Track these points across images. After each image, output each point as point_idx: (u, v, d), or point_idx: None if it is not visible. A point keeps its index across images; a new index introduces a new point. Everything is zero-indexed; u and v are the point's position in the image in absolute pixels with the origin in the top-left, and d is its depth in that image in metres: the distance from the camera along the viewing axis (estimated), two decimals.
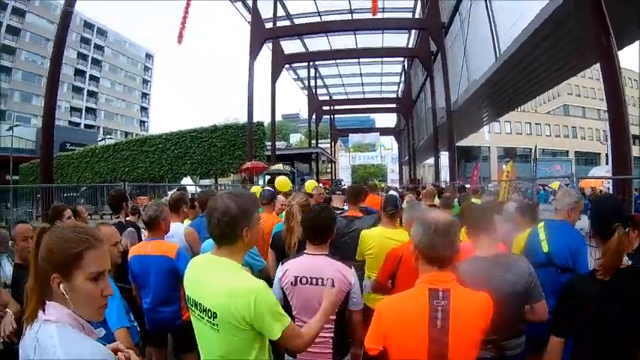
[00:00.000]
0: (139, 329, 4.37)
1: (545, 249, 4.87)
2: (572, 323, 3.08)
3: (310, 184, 13.62)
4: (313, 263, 3.84)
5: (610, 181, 11.03)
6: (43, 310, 1.95)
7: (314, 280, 3.76)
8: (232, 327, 2.61)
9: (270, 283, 4.56)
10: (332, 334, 3.78)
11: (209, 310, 2.67)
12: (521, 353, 3.68)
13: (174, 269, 5.03)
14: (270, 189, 9.29)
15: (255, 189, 14.45)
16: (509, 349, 3.57)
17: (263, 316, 2.60)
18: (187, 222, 7.09)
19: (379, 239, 5.47)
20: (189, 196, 9.28)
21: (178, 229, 6.09)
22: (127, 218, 7.07)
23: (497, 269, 3.46)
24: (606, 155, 54.80)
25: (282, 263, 4.14)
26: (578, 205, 5.26)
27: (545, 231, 5.04)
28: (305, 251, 4.05)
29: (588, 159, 78.57)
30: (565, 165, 57.40)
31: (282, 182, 18.11)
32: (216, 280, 2.71)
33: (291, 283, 3.81)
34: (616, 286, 2.92)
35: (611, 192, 11.78)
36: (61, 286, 1.93)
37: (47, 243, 1.97)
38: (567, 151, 79.52)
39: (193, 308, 2.82)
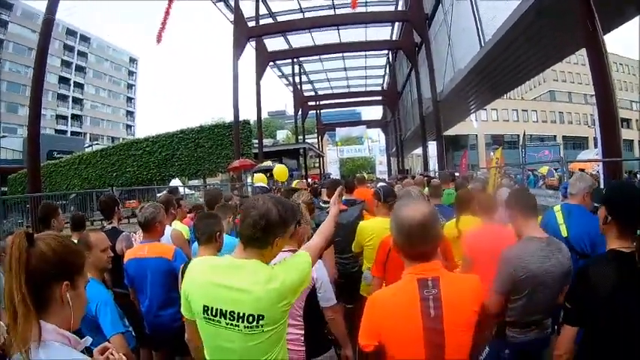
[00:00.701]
0: (134, 334, 4.33)
1: (565, 233, 4.83)
2: (588, 312, 2.92)
3: (294, 183, 13.79)
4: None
5: (600, 163, 11.03)
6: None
7: None
8: (279, 319, 2.63)
9: None
10: (302, 331, 3.72)
11: (250, 315, 2.56)
12: (549, 333, 3.90)
13: (171, 270, 5.00)
14: (264, 185, 9.30)
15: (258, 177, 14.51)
16: (546, 328, 3.80)
17: (296, 282, 2.69)
18: (176, 223, 7.09)
19: (379, 230, 5.37)
20: (180, 197, 9.25)
21: (166, 231, 6.00)
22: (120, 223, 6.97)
23: (552, 250, 3.63)
24: (594, 139, 55.21)
25: None
26: (592, 190, 5.23)
27: (564, 215, 5.01)
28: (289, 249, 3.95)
29: (576, 143, 79.42)
30: (553, 150, 57.74)
31: (281, 171, 18.16)
32: (256, 284, 2.60)
33: None
34: None
35: (601, 175, 11.72)
36: (68, 294, 1.91)
37: (55, 249, 1.91)
38: (555, 136, 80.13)
39: (218, 318, 2.64)
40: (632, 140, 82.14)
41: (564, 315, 3.11)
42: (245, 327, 2.56)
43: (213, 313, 2.64)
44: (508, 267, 3.61)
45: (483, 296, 2.69)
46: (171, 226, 6.57)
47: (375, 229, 5.52)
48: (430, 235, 2.62)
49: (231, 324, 2.59)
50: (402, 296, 2.62)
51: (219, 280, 2.67)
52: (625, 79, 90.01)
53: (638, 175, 26.02)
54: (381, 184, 13.72)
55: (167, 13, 22.60)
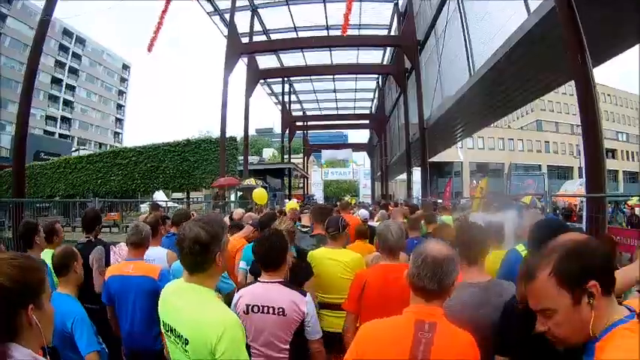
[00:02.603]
0: (107, 350, 4.33)
1: None
2: (512, 343, 3.10)
3: (290, 205, 13.59)
4: (265, 291, 3.83)
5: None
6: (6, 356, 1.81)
7: (265, 308, 3.75)
8: (202, 355, 2.61)
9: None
10: None
11: (182, 335, 2.69)
12: None
13: (156, 290, 4.66)
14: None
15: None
16: None
17: (225, 350, 2.56)
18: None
19: (320, 260, 5.49)
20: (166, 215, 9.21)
21: (159, 252, 6.09)
22: (98, 237, 6.88)
23: (489, 295, 3.48)
24: (579, 169, 55.53)
25: (238, 289, 4.13)
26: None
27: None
28: (259, 279, 4.04)
29: (561, 173, 80.00)
30: (538, 179, 57.90)
31: (260, 194, 18.05)
32: (189, 308, 2.72)
33: (244, 311, 3.78)
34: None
35: (584, 208, 11.84)
36: (34, 315, 1.89)
37: (12, 276, 1.87)
38: (540, 166, 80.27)
39: (168, 333, 2.85)
40: (617, 170, 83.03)
41: (493, 344, 3.24)
42: (181, 346, 2.72)
43: (167, 328, 2.87)
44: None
45: (475, 356, 2.62)
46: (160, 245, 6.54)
47: (316, 258, 5.57)
48: (438, 274, 2.63)
49: (175, 340, 2.78)
50: (395, 331, 2.63)
51: (171, 299, 2.92)
52: (612, 109, 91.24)
53: (621, 206, 26.11)
54: (362, 210, 13.81)
55: (160, 22, 22.61)
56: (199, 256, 2.76)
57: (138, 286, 5.00)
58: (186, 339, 2.65)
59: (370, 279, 4.36)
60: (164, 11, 22.61)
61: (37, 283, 1.97)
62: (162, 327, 2.94)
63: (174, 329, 2.76)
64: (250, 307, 3.78)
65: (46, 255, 5.59)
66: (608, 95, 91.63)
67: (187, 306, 2.74)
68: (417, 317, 2.61)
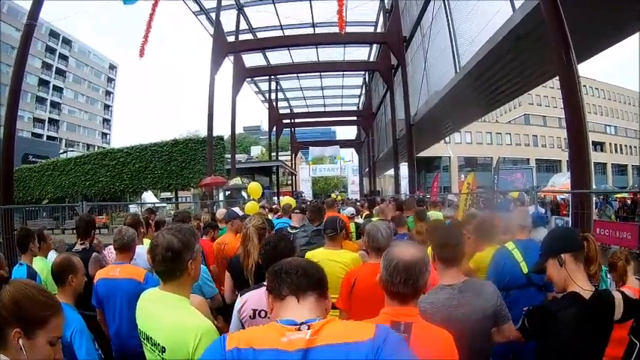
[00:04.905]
0: (103, 357, 4.32)
1: (525, 270, 4.89)
2: (544, 336, 3.21)
3: (286, 201, 13.51)
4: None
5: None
6: None
7: None
8: None
9: (221, 310, 4.53)
10: None
11: (158, 344, 2.68)
12: None
13: (141, 293, 4.91)
14: (234, 211, 9.25)
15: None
16: None
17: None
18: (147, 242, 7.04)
19: (321, 261, 5.35)
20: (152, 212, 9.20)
21: (141, 250, 6.02)
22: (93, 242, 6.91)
23: (466, 296, 3.42)
24: (567, 162, 55.69)
25: (241, 295, 4.03)
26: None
27: (521, 252, 5.05)
28: (265, 282, 3.97)
29: (549, 166, 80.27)
30: (526, 173, 58.04)
31: (254, 188, 18.04)
32: (164, 316, 2.72)
33: (250, 316, 3.73)
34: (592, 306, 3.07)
35: (570, 203, 11.86)
36: (21, 341, 1.92)
37: (14, 296, 1.97)
38: (528, 159, 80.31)
39: (145, 341, 2.84)
40: (606, 163, 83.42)
41: (522, 327, 3.41)
42: (158, 354, 2.70)
43: (144, 336, 2.87)
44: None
45: (453, 354, 2.64)
46: (142, 244, 6.54)
47: (317, 259, 5.43)
48: (411, 278, 2.64)
49: (152, 348, 2.77)
50: None
51: (147, 307, 2.94)
52: (600, 103, 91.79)
53: (609, 199, 26.23)
54: (349, 208, 13.80)
55: (149, 26, 22.51)
56: (171, 264, 2.79)
57: (124, 289, 5.03)
58: (163, 347, 2.66)
59: (359, 277, 4.41)
60: (151, 15, 22.52)
61: (37, 316, 2.01)
62: (139, 334, 2.95)
63: (151, 337, 2.77)
64: (257, 312, 3.74)
65: (37, 262, 5.91)
66: (596, 89, 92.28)
67: (162, 314, 2.76)
68: (392, 319, 2.62)
